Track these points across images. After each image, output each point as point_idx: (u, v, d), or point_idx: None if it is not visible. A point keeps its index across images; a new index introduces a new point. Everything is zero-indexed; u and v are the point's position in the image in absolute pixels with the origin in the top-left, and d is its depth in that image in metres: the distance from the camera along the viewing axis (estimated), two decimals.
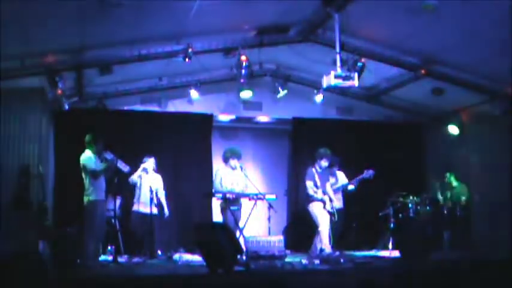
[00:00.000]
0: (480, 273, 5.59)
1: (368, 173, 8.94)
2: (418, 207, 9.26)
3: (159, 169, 9.01)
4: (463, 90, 9.02)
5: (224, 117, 10.52)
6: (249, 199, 8.35)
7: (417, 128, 11.22)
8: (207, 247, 6.64)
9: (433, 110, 10.61)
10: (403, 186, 9.51)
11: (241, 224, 8.24)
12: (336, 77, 6.93)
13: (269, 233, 8.23)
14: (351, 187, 9.10)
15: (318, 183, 8.43)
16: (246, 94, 9.29)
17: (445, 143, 10.48)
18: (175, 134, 9.99)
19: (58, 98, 8.18)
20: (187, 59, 7.72)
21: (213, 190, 8.47)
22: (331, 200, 8.43)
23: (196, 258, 8.08)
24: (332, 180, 8.87)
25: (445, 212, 9.45)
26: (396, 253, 8.33)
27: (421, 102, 10.46)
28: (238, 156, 8.61)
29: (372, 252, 9.31)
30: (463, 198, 9.51)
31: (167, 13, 6.75)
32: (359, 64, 7.69)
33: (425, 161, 11.19)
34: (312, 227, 8.48)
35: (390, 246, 9.14)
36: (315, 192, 8.40)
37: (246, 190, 8.53)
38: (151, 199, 8.44)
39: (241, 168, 8.54)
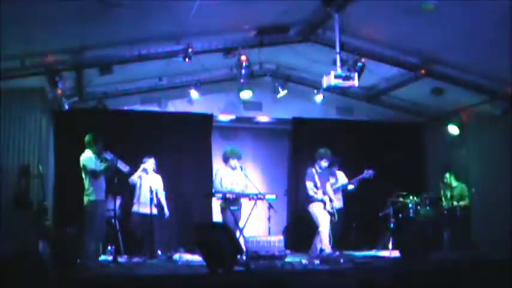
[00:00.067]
0: (480, 273, 5.59)
1: (368, 173, 8.94)
2: (418, 207, 9.26)
3: (159, 169, 9.02)
4: (463, 90, 9.01)
5: (224, 117, 10.52)
6: (249, 199, 8.36)
7: (417, 128, 11.22)
8: (207, 247, 6.65)
9: (433, 110, 10.61)
10: (403, 186, 9.51)
11: (241, 224, 8.24)
12: (336, 77, 6.93)
13: (269, 233, 8.23)
14: (350, 187, 9.10)
15: (318, 184, 8.43)
16: (246, 94, 9.28)
17: (445, 143, 10.48)
18: (175, 134, 9.99)
19: (58, 98, 8.18)
20: (187, 59, 7.72)
21: (213, 190, 8.48)
22: (331, 200, 8.43)
23: (196, 258, 8.09)
24: (332, 180, 8.87)
25: (445, 212, 9.44)
26: (396, 253, 8.34)
27: (421, 102, 10.46)
28: (238, 156, 8.61)
29: (372, 252, 9.31)
30: (465, 200, 9.52)
31: (167, 13, 6.75)
32: (359, 64, 7.69)
33: (425, 161, 11.19)
34: (312, 227, 8.49)
35: (390, 246, 9.15)
36: (315, 192, 8.40)
37: (246, 190, 8.53)
38: (151, 199, 8.44)
39: (241, 168, 8.54)
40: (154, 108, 10.06)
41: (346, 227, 9.26)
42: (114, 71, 8.06)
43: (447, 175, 9.61)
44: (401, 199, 9.40)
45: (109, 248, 8.59)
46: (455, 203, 9.41)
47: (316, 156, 8.65)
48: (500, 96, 9.02)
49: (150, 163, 8.76)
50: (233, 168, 8.58)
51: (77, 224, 7.43)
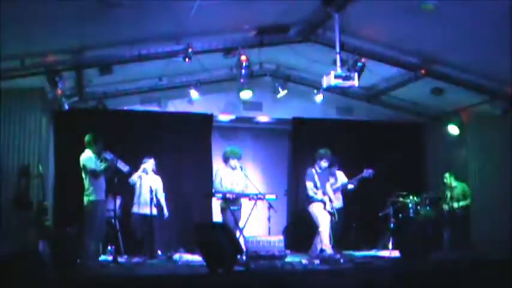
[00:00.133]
0: (480, 273, 5.60)
1: (368, 172, 8.94)
2: (418, 207, 9.26)
3: (159, 169, 9.02)
4: (463, 90, 9.01)
5: (224, 117, 10.52)
6: (249, 199, 8.35)
7: (417, 128, 11.22)
8: (207, 247, 6.65)
9: (433, 110, 10.61)
10: (403, 186, 9.51)
11: (241, 224, 8.24)
12: (336, 77, 6.92)
13: (269, 233, 8.22)
14: (350, 186, 9.10)
15: (318, 184, 8.43)
16: (246, 94, 9.28)
17: (445, 143, 10.48)
18: (175, 134, 9.99)
19: (58, 98, 8.18)
20: (187, 59, 7.71)
21: (213, 190, 8.47)
22: (331, 201, 8.43)
23: (196, 258, 8.09)
24: (332, 180, 8.87)
25: (445, 212, 9.45)
26: (396, 253, 8.34)
27: (421, 102, 10.46)
28: (238, 157, 8.61)
29: (372, 252, 9.32)
30: (467, 199, 9.52)
31: (167, 13, 6.74)
32: (359, 64, 7.69)
33: (425, 161, 11.20)
34: (312, 227, 8.49)
35: (390, 246, 9.16)
36: (315, 193, 8.40)
37: (246, 190, 8.53)
38: (152, 199, 8.44)
39: (241, 168, 8.53)
40: (154, 108, 10.06)
41: (346, 227, 9.27)
42: (114, 71, 8.06)
43: (447, 175, 9.62)
44: (401, 199, 9.40)
45: (109, 248, 8.59)
46: (455, 203, 9.42)
47: (316, 157, 8.65)
48: (500, 96, 9.02)
49: (149, 163, 8.76)
50: (233, 168, 8.57)
51: (77, 224, 7.43)
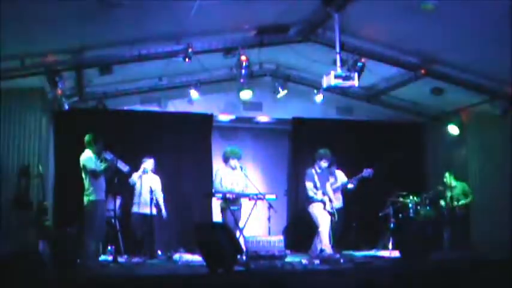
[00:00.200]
0: (480, 273, 5.59)
1: (367, 172, 8.92)
2: (418, 207, 9.26)
3: (159, 169, 9.02)
4: (463, 90, 9.02)
5: (224, 117, 10.52)
6: (249, 199, 8.35)
7: (417, 128, 11.22)
8: (207, 247, 6.65)
9: (433, 110, 10.61)
10: (403, 186, 9.51)
11: (241, 224, 8.24)
12: (336, 77, 6.92)
13: (269, 233, 8.22)
14: (350, 186, 9.09)
15: (318, 184, 8.42)
16: (246, 94, 9.28)
17: (445, 143, 10.49)
18: (175, 134, 9.99)
19: (58, 98, 8.18)
20: (187, 59, 7.71)
21: (213, 190, 8.47)
22: (330, 201, 8.42)
23: (196, 258, 8.08)
24: (331, 179, 8.87)
25: (445, 211, 9.45)
26: (396, 253, 8.34)
27: (421, 102, 10.47)
28: (238, 157, 8.60)
29: (372, 252, 9.31)
30: (468, 197, 9.52)
31: (167, 13, 6.75)
32: (359, 64, 7.69)
33: (425, 161, 11.20)
34: (311, 227, 8.48)
35: (390, 246, 9.15)
36: (315, 193, 8.39)
37: (246, 190, 8.52)
38: (152, 199, 8.44)
39: (241, 168, 8.53)
40: (154, 108, 10.06)
41: (346, 227, 9.26)
42: (114, 71, 8.06)
43: (447, 174, 9.62)
44: (401, 199, 9.40)
45: (109, 248, 8.59)
46: (455, 203, 9.41)
47: (315, 157, 8.64)
48: (500, 96, 9.02)
49: (149, 163, 8.76)
50: (233, 168, 8.57)
51: (77, 224, 7.43)
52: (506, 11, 6.40)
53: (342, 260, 7.55)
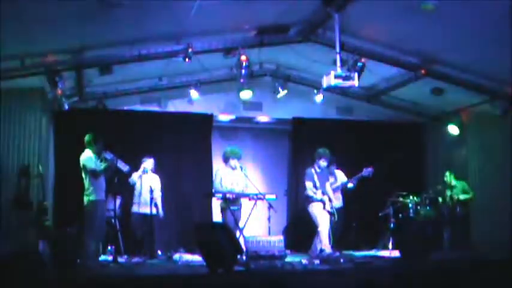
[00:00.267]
0: (480, 273, 5.59)
1: (367, 171, 8.93)
2: (418, 207, 9.26)
3: (159, 169, 9.02)
4: (463, 90, 9.02)
5: (224, 117, 10.52)
6: (249, 199, 8.35)
7: (417, 128, 11.22)
8: (207, 247, 6.65)
9: (433, 110, 10.61)
10: (403, 186, 9.51)
11: (241, 224, 8.24)
12: (336, 77, 6.92)
13: (269, 233, 8.22)
14: (350, 185, 9.10)
15: (317, 184, 8.42)
16: (246, 94, 9.28)
17: (445, 143, 10.49)
18: (175, 134, 9.99)
19: (58, 98, 8.18)
20: (187, 59, 7.71)
21: (213, 190, 8.47)
22: (330, 200, 8.42)
23: (196, 258, 8.08)
24: (331, 179, 8.87)
25: (445, 211, 9.44)
26: (396, 253, 8.34)
27: (421, 102, 10.47)
28: (238, 157, 8.61)
29: (372, 252, 9.31)
30: (468, 193, 9.52)
31: (167, 13, 6.74)
32: (359, 64, 7.69)
33: (425, 161, 11.20)
34: (312, 227, 8.48)
35: (390, 246, 9.15)
36: (315, 193, 8.39)
37: (246, 190, 8.52)
38: (152, 199, 8.45)
39: (241, 168, 8.53)
40: (154, 108, 10.06)
41: (346, 227, 9.27)
42: (114, 71, 8.06)
43: (447, 173, 9.62)
44: (401, 199, 9.40)
45: (109, 248, 8.59)
46: (455, 197, 9.40)
47: (315, 156, 8.64)
48: (500, 96, 9.02)
49: (149, 163, 8.76)
50: (233, 168, 8.57)
51: (77, 224, 7.43)
52: (506, 11, 6.40)
53: (342, 260, 7.55)
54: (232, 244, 6.57)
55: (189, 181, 10.03)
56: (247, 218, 8.28)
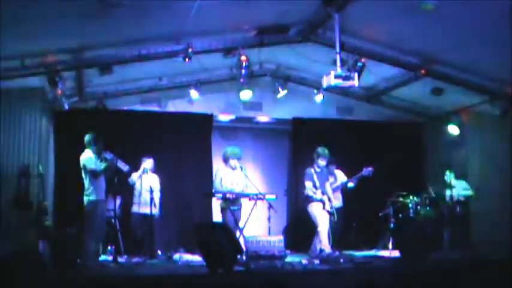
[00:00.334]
0: (480, 273, 5.59)
1: (367, 171, 8.94)
2: (418, 207, 9.25)
3: (159, 169, 9.03)
4: (463, 90, 9.02)
5: (224, 117, 10.52)
6: (249, 199, 8.34)
7: (417, 128, 11.22)
8: (207, 247, 6.65)
9: (433, 110, 10.62)
10: (403, 186, 9.50)
11: (241, 224, 8.24)
12: (336, 77, 6.92)
13: (269, 233, 8.22)
14: (350, 185, 9.11)
15: (317, 184, 8.42)
16: (246, 94, 9.28)
17: (445, 143, 10.49)
18: (175, 134, 9.99)
19: (58, 98, 8.20)
20: (187, 59, 7.72)
21: (213, 190, 8.47)
22: (330, 200, 8.42)
23: (196, 258, 8.08)
24: (331, 179, 8.87)
25: (445, 211, 9.44)
26: (396, 253, 8.34)
27: (421, 102, 10.47)
28: (238, 157, 8.60)
29: (372, 252, 9.31)
30: (468, 191, 9.52)
31: (167, 13, 6.75)
32: (359, 64, 7.70)
33: (425, 161, 11.19)
34: (311, 227, 8.48)
35: (390, 246, 9.15)
36: (314, 192, 8.39)
37: (246, 190, 8.52)
38: (152, 199, 8.45)
39: (241, 168, 8.53)
40: (154, 108, 10.06)
41: (346, 227, 9.27)
42: (114, 71, 8.06)
43: (447, 172, 9.62)
44: (401, 199, 9.39)
45: (109, 248, 8.59)
46: (455, 192, 9.40)
47: (314, 156, 8.64)
48: (500, 96, 9.02)
49: (149, 163, 8.76)
50: (233, 168, 8.57)
51: (77, 224, 7.43)
52: (506, 11, 6.40)
53: (341, 260, 7.55)
54: (232, 244, 6.57)
55: (189, 181, 10.03)
56: (247, 218, 8.27)
